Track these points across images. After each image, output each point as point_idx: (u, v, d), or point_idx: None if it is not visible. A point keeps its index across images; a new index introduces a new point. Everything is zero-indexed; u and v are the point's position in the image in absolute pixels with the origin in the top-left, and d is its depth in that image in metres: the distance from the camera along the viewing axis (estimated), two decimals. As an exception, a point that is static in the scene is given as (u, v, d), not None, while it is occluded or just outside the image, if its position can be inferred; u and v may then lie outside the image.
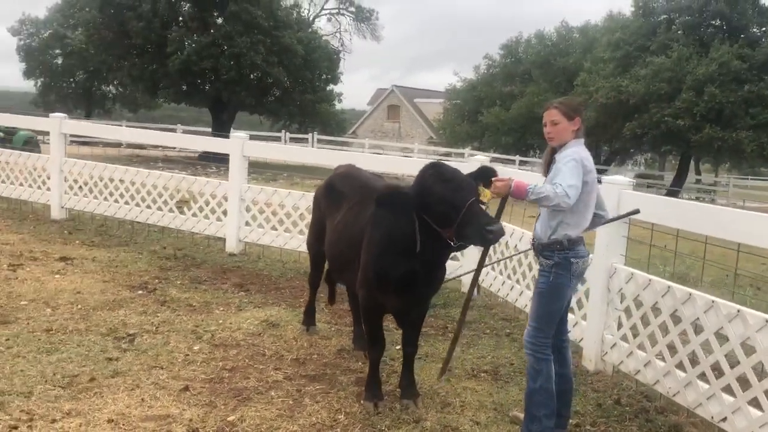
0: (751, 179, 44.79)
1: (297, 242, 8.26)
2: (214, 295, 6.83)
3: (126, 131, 13.56)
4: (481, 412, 4.48)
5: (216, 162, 22.48)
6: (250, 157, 8.78)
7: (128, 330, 5.62)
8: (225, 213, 8.76)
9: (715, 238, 4.21)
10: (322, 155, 9.25)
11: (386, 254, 4.18)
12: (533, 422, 3.92)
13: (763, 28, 30.34)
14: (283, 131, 37.76)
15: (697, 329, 4.19)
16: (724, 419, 3.93)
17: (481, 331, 6.21)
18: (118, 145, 28.26)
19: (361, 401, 4.50)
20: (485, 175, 4.03)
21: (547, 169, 4.21)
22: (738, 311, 3.84)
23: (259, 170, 15.76)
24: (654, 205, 4.62)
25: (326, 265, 5.76)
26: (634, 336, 4.76)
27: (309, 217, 8.05)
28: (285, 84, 29.33)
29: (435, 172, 3.92)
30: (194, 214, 8.99)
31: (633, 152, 43.62)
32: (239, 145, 8.56)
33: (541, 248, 4.01)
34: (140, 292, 6.78)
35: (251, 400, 4.48)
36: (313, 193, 5.72)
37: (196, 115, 51.93)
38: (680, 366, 4.33)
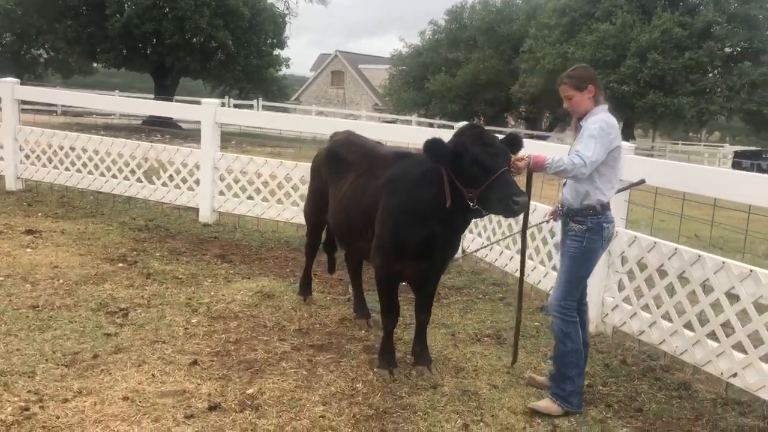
0: (681, 143, 46.34)
1: (275, 211, 8.12)
2: (198, 267, 6.66)
3: (88, 97, 12.75)
4: (495, 375, 4.53)
5: (163, 128, 21.79)
6: (223, 124, 8.52)
7: (119, 304, 5.43)
8: (197, 182, 8.51)
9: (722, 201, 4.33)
10: (303, 123, 9.07)
11: (404, 221, 4.15)
12: (566, 382, 3.99)
13: (700, -4, 31.19)
14: (227, 97, 36.84)
15: (706, 290, 4.32)
16: (734, 375, 4.09)
17: (474, 297, 6.26)
18: (51, 112, 27.03)
19: (375, 369, 4.48)
20: (513, 143, 4.03)
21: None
22: (751, 271, 3.97)
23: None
24: (661, 171, 4.70)
25: (324, 235, 5.70)
26: (638, 298, 4.88)
27: (287, 186, 7.96)
28: (230, 48, 28.45)
29: (475, 133, 3.90)
30: (164, 184, 8.71)
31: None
32: (211, 111, 8.30)
33: (572, 214, 4.04)
34: (120, 265, 6.55)
35: (264, 372, 4.40)
36: (308, 162, 5.60)
37: (129, 81, 50.06)
38: (687, 326, 4.47)
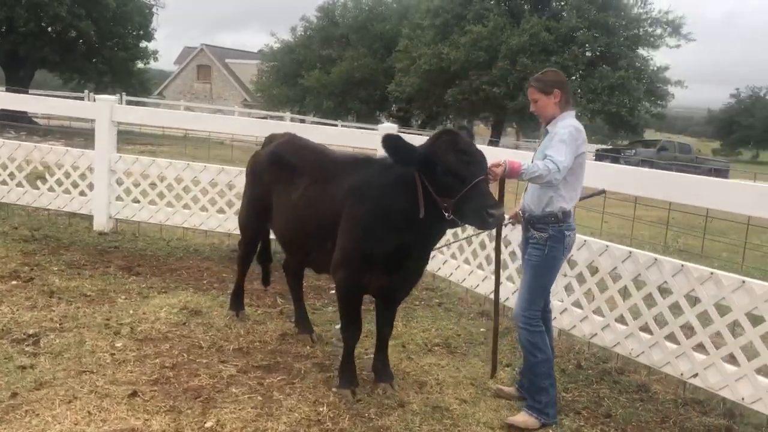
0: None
1: (181, 217, 7.53)
2: (106, 282, 6.01)
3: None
4: (460, 389, 4.38)
5: (15, 122, 19.81)
6: (120, 122, 7.80)
7: (25, 329, 4.76)
8: (90, 187, 7.74)
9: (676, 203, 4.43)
10: (214, 123, 8.48)
11: (374, 230, 3.88)
12: (540, 393, 3.90)
13: (562, 2, 32.94)
14: (86, 91, 34.37)
15: (663, 293, 4.40)
16: (695, 375, 4.19)
17: (411, 303, 6.08)
18: None
19: (336, 389, 4.20)
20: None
21: None
22: (711, 274, 4.08)
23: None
24: (616, 175, 4.75)
25: (259, 246, 5.32)
26: (589, 301, 4.92)
27: (195, 190, 7.44)
28: (93, 39, 26.53)
29: (450, 140, 3.67)
30: (51, 189, 7.83)
31: (442, 118, 45.69)
32: (107, 109, 7.55)
33: (534, 221, 3.95)
34: (14, 282, 5.78)
35: (215, 400, 3.99)
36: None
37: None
38: (643, 329, 4.54)
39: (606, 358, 5.01)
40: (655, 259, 4.40)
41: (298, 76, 42.60)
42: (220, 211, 7.53)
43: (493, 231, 4.35)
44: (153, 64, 40.45)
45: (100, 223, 7.70)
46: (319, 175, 4.34)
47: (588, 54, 30.75)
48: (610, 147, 35.79)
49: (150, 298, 5.68)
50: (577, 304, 5.01)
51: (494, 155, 4.03)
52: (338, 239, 4.06)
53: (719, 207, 4.15)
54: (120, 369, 4.30)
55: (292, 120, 35.34)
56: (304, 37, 45.71)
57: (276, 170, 4.66)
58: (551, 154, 3.69)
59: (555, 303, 5.21)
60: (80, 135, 18.01)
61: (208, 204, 7.50)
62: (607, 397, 4.40)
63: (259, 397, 4.07)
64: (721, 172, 28.96)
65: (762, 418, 4.09)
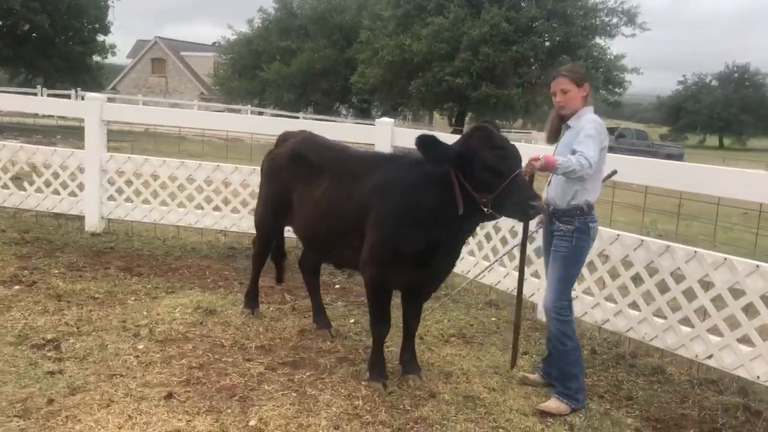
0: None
1: (176, 216, 7.49)
2: (111, 283, 5.95)
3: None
4: (486, 377, 4.50)
5: None
6: (110, 121, 7.69)
7: (43, 335, 4.70)
8: (81, 187, 7.62)
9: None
10: (210, 120, 8.40)
11: (403, 227, 3.95)
12: (571, 380, 4.04)
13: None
14: (40, 87, 33.43)
15: (677, 278, 4.60)
16: (710, 356, 4.40)
17: (441, 296, 6.18)
18: None
19: (367, 382, 4.27)
20: None
21: (555, 136, 4.28)
22: (725, 259, 4.28)
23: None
24: (627, 165, 4.90)
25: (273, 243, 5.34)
26: (600, 289, 5.09)
27: (190, 188, 7.41)
28: (49, 33, 25.84)
29: (485, 135, 3.74)
30: (39, 190, 7.69)
31: (403, 109, 45.84)
32: (97, 107, 7.43)
33: (559, 214, 4.08)
34: (17, 287, 5.69)
35: (251, 398, 4.02)
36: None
37: None
38: (657, 313, 4.73)
39: (617, 342, 5.20)
40: (668, 246, 4.59)
41: (257, 68, 42.22)
42: (216, 209, 7.51)
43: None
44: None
45: (93, 224, 7.59)
46: (342, 173, 4.39)
47: (547, 44, 31.22)
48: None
49: (159, 299, 5.66)
50: (588, 292, 5.17)
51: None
52: (367, 236, 4.12)
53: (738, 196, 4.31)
54: (149, 371, 4.29)
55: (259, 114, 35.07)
56: (262, 28, 45.32)
57: (295, 168, 4.69)
58: (582, 150, 3.80)
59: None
60: (39, 132, 17.60)
61: (204, 202, 7.46)
62: (626, 381, 4.58)
63: (294, 394, 4.12)
64: (675, 157, 29.82)
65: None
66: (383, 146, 6.82)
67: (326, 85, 40.41)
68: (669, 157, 28.37)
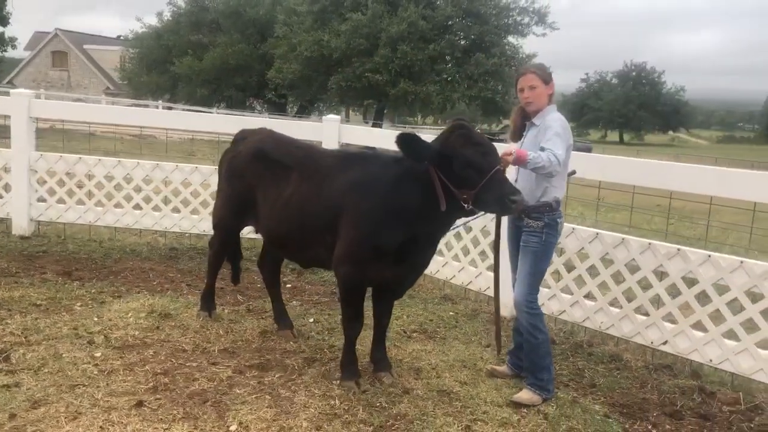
0: (409, 127, 49.73)
1: (113, 216, 7.20)
2: (53, 289, 5.65)
3: None
4: (455, 371, 4.56)
5: None
6: (39, 118, 7.28)
7: (-12, 346, 4.43)
8: (6, 188, 7.19)
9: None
10: (145, 116, 8.07)
11: (381, 224, 3.95)
12: (542, 372, 4.16)
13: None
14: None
15: (631, 269, 4.81)
16: (665, 343, 4.63)
17: (368, 293, 6.19)
18: None
19: (340, 381, 4.25)
20: None
21: (518, 133, 4.38)
22: (678, 250, 4.52)
23: None
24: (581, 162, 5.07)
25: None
26: (557, 281, 5.26)
27: (127, 188, 7.15)
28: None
29: (464, 133, 3.79)
30: (-42, 191, 7.20)
31: (320, 105, 45.65)
32: (24, 103, 7.02)
33: (529, 210, 4.17)
34: (-53, 296, 5.33)
35: (224, 403, 3.92)
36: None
37: None
38: (612, 303, 4.94)
39: (572, 332, 5.39)
40: (623, 239, 4.80)
41: (168, 62, 41.00)
42: (156, 208, 7.26)
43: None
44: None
45: (21, 227, 7.18)
46: (313, 171, 4.34)
47: (463, 42, 31.85)
48: (489, 132, 37.31)
49: (108, 304, 5.42)
50: (544, 284, 5.32)
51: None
52: (343, 234, 4.09)
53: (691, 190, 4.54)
54: (112, 379, 4.11)
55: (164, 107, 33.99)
56: (172, 22, 44.00)
57: (260, 166, 4.59)
58: (551, 148, 3.90)
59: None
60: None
61: (143, 202, 7.20)
62: (587, 369, 4.75)
63: (268, 396, 4.05)
64: (584, 151, 31.00)
65: (724, 376, 4.60)
66: (330, 143, 6.79)
67: (240, 80, 39.70)
68: (578, 151, 29.54)
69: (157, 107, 32.62)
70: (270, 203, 4.52)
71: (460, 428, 3.81)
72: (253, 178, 4.64)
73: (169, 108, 34.54)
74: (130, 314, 5.17)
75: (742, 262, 4.24)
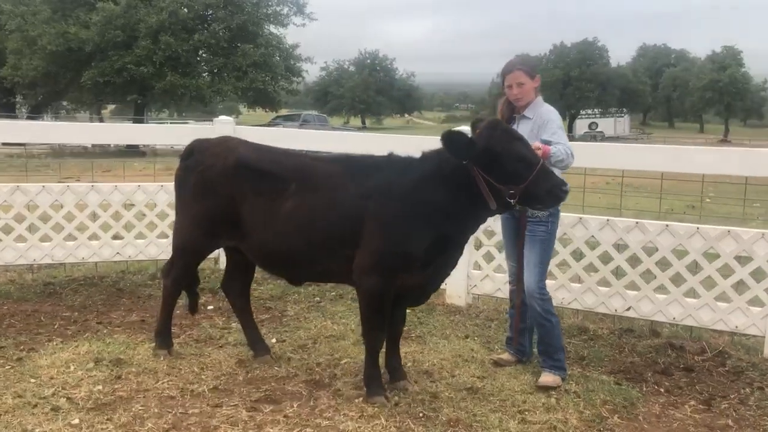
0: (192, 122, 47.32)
1: (12, 254, 5.99)
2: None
3: None
4: (463, 368, 4.53)
5: None
6: None
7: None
8: None
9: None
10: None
11: (414, 228, 3.79)
12: (559, 353, 4.32)
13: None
14: None
15: (591, 245, 5.19)
16: (629, 309, 5.08)
17: (347, 299, 5.96)
18: None
19: (369, 399, 4.01)
20: None
21: None
22: (636, 223, 4.98)
23: None
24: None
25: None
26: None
27: (32, 216, 6.06)
28: None
29: (505, 130, 3.78)
30: None
31: (59, 104, 41.40)
32: None
33: None
34: None
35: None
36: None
37: None
38: (573, 279, 5.28)
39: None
40: (580, 218, 5.15)
41: None
42: (20, 239, 6.12)
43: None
44: None
45: None
46: (318, 181, 4.01)
47: (226, 32, 30.93)
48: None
49: (27, 360, 4.49)
50: (500, 270, 5.52)
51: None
52: (365, 243, 3.85)
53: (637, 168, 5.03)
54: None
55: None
56: None
57: (244, 179, 4.10)
58: (560, 141, 4.05)
59: (473, 273, 5.68)
60: None
61: (53, 232, 6.11)
62: (567, 343, 5.03)
63: (310, 429, 3.71)
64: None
65: (679, 331, 5.19)
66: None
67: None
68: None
69: None
70: (263, 218, 4.07)
71: (516, 422, 3.82)
72: (235, 191, 4.13)
73: None
74: (72, 367, 4.35)
75: (698, 228, 4.80)
